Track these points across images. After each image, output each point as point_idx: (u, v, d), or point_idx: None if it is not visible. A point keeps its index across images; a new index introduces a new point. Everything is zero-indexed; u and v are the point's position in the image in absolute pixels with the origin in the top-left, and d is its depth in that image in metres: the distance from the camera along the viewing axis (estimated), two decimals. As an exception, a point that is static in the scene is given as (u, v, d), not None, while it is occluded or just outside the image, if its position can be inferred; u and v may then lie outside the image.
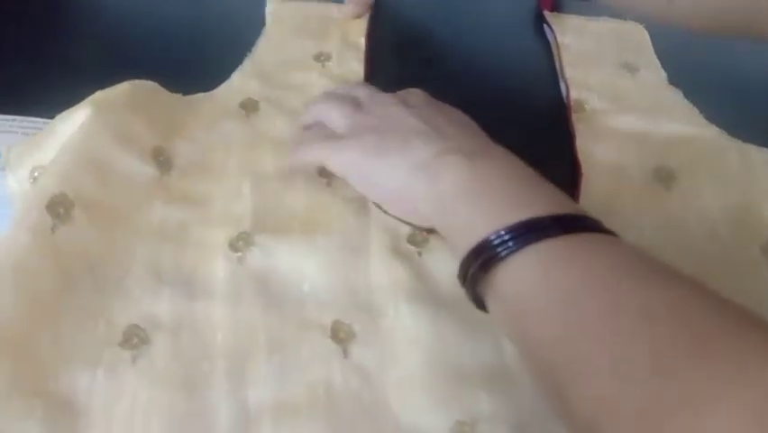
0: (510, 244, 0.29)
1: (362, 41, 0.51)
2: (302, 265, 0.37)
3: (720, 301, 0.27)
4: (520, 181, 0.33)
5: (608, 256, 0.29)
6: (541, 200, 0.32)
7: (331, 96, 0.42)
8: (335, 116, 0.40)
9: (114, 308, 0.35)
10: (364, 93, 0.41)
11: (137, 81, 0.42)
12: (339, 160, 0.38)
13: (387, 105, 0.39)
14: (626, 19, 0.55)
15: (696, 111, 0.48)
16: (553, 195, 0.33)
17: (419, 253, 0.39)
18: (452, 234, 0.34)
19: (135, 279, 0.36)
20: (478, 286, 0.31)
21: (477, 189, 0.33)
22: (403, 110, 0.38)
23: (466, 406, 0.32)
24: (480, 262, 0.30)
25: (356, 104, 0.40)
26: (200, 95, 0.45)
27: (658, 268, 0.29)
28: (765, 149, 0.46)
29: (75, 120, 0.39)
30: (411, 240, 0.39)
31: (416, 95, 0.40)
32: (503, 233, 0.30)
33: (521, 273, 0.29)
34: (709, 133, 0.47)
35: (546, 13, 0.55)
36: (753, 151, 0.46)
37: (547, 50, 0.53)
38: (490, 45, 0.54)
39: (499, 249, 0.30)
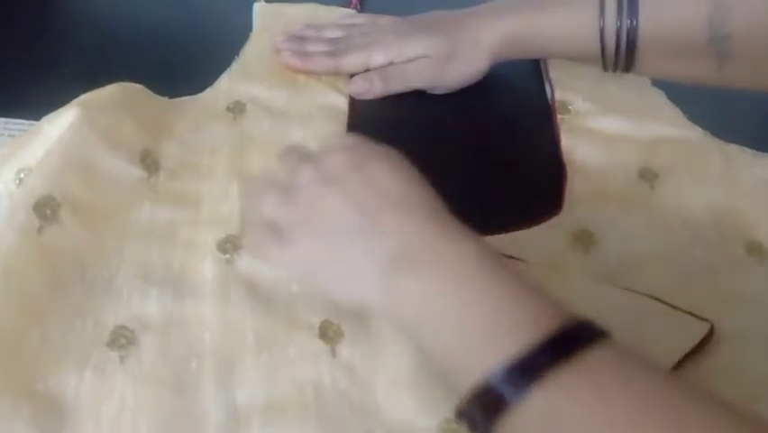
0: (510, 388, 0.26)
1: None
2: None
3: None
4: (486, 296, 0.29)
5: (624, 381, 0.27)
6: (520, 319, 0.28)
7: (258, 188, 0.36)
8: (265, 206, 0.35)
9: (103, 308, 0.35)
10: (288, 172, 0.36)
11: (124, 84, 0.42)
12: (283, 266, 0.36)
13: (308, 186, 0.34)
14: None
15: (679, 112, 0.49)
16: (526, 299, 0.29)
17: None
18: (426, 351, 0.31)
19: (123, 279, 0.36)
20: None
21: (440, 317, 0.29)
22: (327, 191, 0.33)
23: (454, 403, 0.32)
24: (483, 413, 0.27)
25: (284, 189, 0.35)
26: (187, 98, 0.46)
27: (674, 384, 0.27)
28: (748, 149, 0.46)
29: (62, 122, 0.39)
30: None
31: (330, 152, 0.35)
32: (496, 378, 0.27)
33: (533, 417, 0.26)
34: (693, 133, 0.47)
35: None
36: (735, 151, 0.46)
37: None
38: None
39: (502, 394, 0.26)
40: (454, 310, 0.29)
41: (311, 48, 0.49)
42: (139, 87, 0.43)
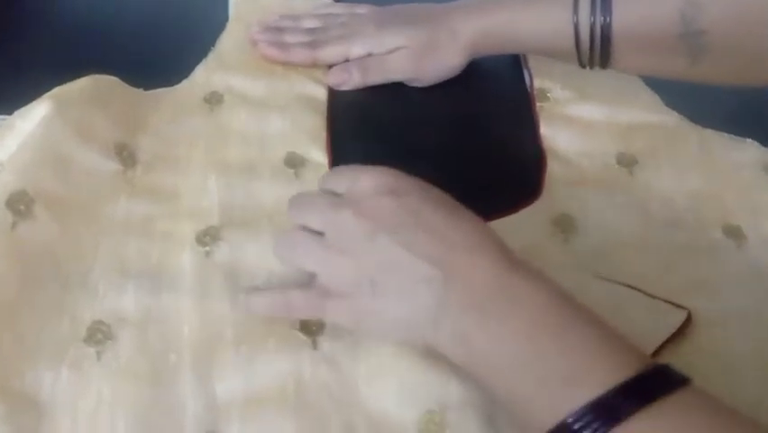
0: (589, 432, 0.26)
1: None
2: (269, 259, 0.37)
3: None
4: (562, 339, 0.29)
5: (707, 428, 0.26)
6: (599, 363, 0.28)
7: (288, 237, 0.35)
8: (305, 262, 0.34)
9: (79, 304, 0.34)
10: (314, 216, 0.34)
11: (98, 76, 0.42)
12: (338, 321, 0.33)
13: (357, 241, 0.31)
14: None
15: (657, 98, 0.49)
16: (604, 342, 0.29)
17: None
18: (496, 392, 0.30)
19: (100, 274, 0.36)
20: None
21: (514, 360, 0.29)
22: (388, 244, 0.31)
23: (435, 395, 0.32)
24: None
25: (320, 238, 0.33)
26: (163, 89, 0.45)
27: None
28: (724, 134, 0.47)
29: (34, 116, 0.39)
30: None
31: (369, 195, 0.32)
32: (575, 420, 0.26)
33: None
34: (670, 119, 0.47)
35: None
36: (712, 136, 0.47)
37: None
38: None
39: None
40: (530, 354, 0.28)
41: (288, 39, 0.49)
42: (113, 79, 0.43)
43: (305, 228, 0.34)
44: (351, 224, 0.31)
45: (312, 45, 0.48)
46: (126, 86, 0.43)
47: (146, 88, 0.44)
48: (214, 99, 0.45)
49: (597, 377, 0.27)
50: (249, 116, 0.44)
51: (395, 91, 0.49)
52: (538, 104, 0.48)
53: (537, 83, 0.49)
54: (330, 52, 0.48)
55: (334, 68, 0.48)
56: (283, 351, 0.34)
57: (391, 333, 0.32)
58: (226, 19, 0.51)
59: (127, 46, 0.49)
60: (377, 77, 0.48)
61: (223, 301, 0.35)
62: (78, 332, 0.33)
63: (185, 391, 0.32)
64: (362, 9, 0.52)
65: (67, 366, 0.32)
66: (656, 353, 0.35)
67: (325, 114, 0.46)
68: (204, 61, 0.47)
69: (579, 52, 0.44)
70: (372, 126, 0.47)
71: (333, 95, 0.48)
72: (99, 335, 0.33)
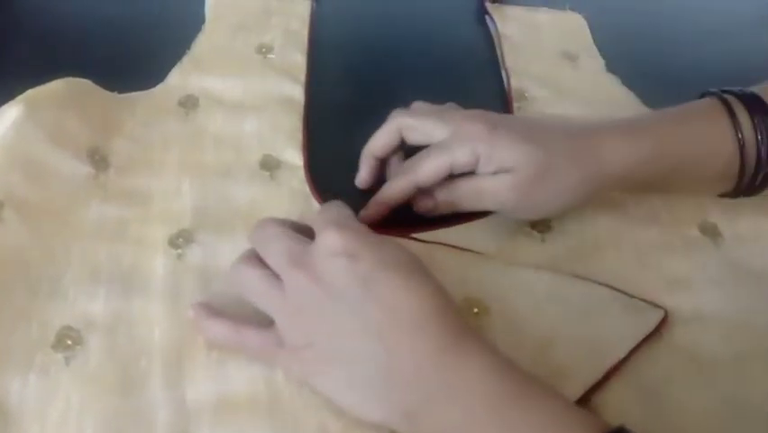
0: None
1: (305, 33, 0.51)
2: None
3: None
4: (510, 420, 0.28)
5: None
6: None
7: (247, 269, 0.34)
8: (260, 302, 0.33)
9: (48, 309, 0.34)
10: (276, 260, 0.33)
11: (71, 79, 0.41)
12: (283, 369, 0.33)
13: (311, 300, 0.31)
14: (565, 9, 0.56)
15: (633, 96, 0.49)
16: (565, 411, 0.29)
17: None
18: None
19: (70, 279, 0.35)
20: None
21: None
22: (338, 316, 0.31)
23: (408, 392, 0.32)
24: None
25: (275, 278, 0.33)
26: (138, 93, 0.45)
27: None
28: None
29: (6, 119, 0.38)
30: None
31: (332, 255, 0.31)
32: None
33: None
34: (647, 117, 0.47)
35: (488, 5, 0.56)
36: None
37: (489, 41, 0.54)
38: (433, 36, 0.54)
39: None
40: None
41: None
42: (86, 82, 0.42)
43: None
44: (304, 285, 0.31)
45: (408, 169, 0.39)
46: (100, 89, 0.43)
47: (121, 91, 0.44)
48: (189, 103, 0.45)
49: None
50: (224, 119, 0.44)
51: (373, 90, 0.49)
52: (515, 104, 0.48)
53: (514, 83, 0.49)
54: (430, 166, 0.38)
55: (421, 196, 0.40)
56: (255, 354, 0.33)
57: (340, 399, 0.31)
58: (202, 20, 0.51)
59: (103, 49, 0.49)
60: (468, 206, 0.39)
61: (194, 305, 0.35)
62: (47, 338, 0.33)
63: (155, 396, 0.31)
64: (465, 111, 0.41)
65: (35, 373, 0.32)
66: (633, 351, 0.35)
67: (302, 114, 0.46)
68: (179, 64, 0.47)
69: (742, 176, 0.40)
70: (350, 126, 0.47)
71: (311, 95, 0.47)
72: (68, 340, 0.33)
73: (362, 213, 0.40)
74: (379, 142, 0.41)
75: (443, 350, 0.29)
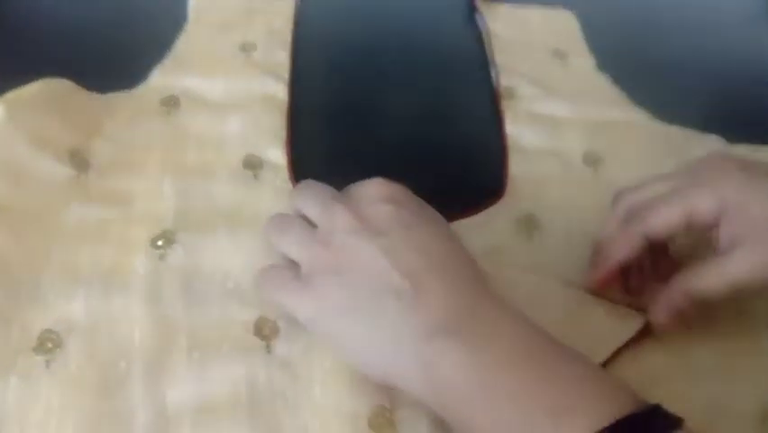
0: None
1: (289, 30, 0.51)
2: (225, 262, 0.37)
3: None
4: (550, 372, 0.27)
5: None
6: (590, 399, 0.26)
7: (282, 219, 0.35)
8: (290, 245, 0.33)
9: (29, 312, 0.34)
10: (313, 205, 0.34)
11: (50, 80, 0.41)
12: (303, 313, 0.32)
13: (347, 234, 0.31)
14: (555, 7, 0.55)
15: (623, 95, 0.49)
16: (594, 379, 0.27)
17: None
18: (476, 428, 0.27)
19: (50, 282, 0.35)
20: None
21: (496, 392, 0.27)
22: (368, 245, 0.30)
23: (388, 391, 0.32)
24: None
25: (312, 227, 0.33)
26: (119, 93, 0.44)
27: None
28: (689, 130, 0.47)
29: (-16, 121, 0.38)
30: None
31: (375, 199, 0.32)
32: None
33: None
34: (636, 116, 0.47)
35: (478, 2, 0.55)
36: (677, 132, 0.47)
37: (479, 39, 0.53)
38: (422, 34, 0.54)
39: None
40: (514, 386, 0.26)
41: None
42: (66, 82, 0.42)
43: (302, 216, 0.34)
44: (342, 218, 0.31)
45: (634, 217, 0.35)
46: (80, 89, 0.42)
47: (102, 92, 0.43)
48: (171, 103, 0.44)
49: (587, 412, 0.25)
50: (207, 119, 0.44)
51: (359, 88, 0.49)
52: (504, 101, 0.48)
53: (504, 81, 0.49)
54: (663, 215, 0.33)
55: (660, 305, 0.34)
56: (237, 356, 0.33)
57: (354, 344, 0.30)
58: (184, 20, 0.50)
59: (82, 49, 0.48)
60: (714, 295, 0.33)
61: (176, 306, 0.34)
62: (28, 341, 0.33)
63: (135, 398, 0.31)
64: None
65: (16, 376, 0.31)
66: (616, 354, 0.35)
67: (286, 112, 0.45)
68: (161, 63, 0.46)
69: None
70: (334, 124, 0.47)
71: (294, 93, 0.47)
72: (49, 343, 0.32)
73: (590, 277, 0.36)
74: (622, 251, 0.35)
75: (479, 297, 0.29)
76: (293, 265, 0.33)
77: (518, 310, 0.29)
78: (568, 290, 0.37)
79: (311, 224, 0.34)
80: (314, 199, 0.34)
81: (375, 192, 0.32)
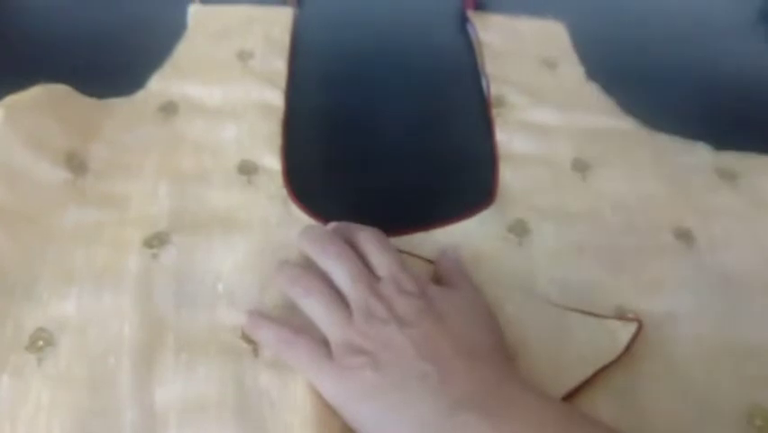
0: None
1: (287, 39, 0.52)
2: (218, 265, 0.37)
3: None
4: None
5: None
6: None
7: (312, 284, 0.35)
8: (322, 318, 0.34)
9: (23, 312, 0.34)
10: (346, 282, 0.34)
11: (50, 85, 0.42)
12: (327, 388, 0.32)
13: (380, 324, 0.32)
14: (545, 17, 0.56)
15: (612, 103, 0.49)
16: None
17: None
18: None
19: (45, 282, 0.35)
20: None
21: None
22: (400, 336, 0.31)
23: None
24: None
25: (343, 304, 0.34)
26: (118, 99, 0.45)
27: None
28: (677, 138, 0.47)
29: (-16, 125, 0.39)
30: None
31: (406, 292, 0.33)
32: None
33: None
34: (625, 124, 0.48)
35: (470, 12, 0.56)
36: (665, 140, 0.47)
37: (470, 48, 0.54)
38: (414, 44, 0.54)
39: None
40: None
41: None
42: (65, 88, 0.42)
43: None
44: (374, 309, 0.33)
45: None
46: (79, 95, 0.43)
47: (101, 97, 0.44)
48: (169, 108, 0.45)
49: None
50: (204, 124, 0.44)
51: (354, 96, 0.49)
52: (495, 109, 0.49)
53: (494, 89, 0.50)
54: None
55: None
56: (224, 358, 0.33)
57: (384, 424, 0.30)
58: (184, 28, 0.51)
59: (82, 55, 0.49)
60: None
61: (166, 305, 0.35)
62: (21, 339, 0.33)
63: (122, 395, 0.32)
64: None
65: (8, 374, 0.32)
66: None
67: (282, 119, 0.46)
68: (159, 70, 0.47)
69: None
70: (328, 131, 0.47)
71: (291, 101, 0.47)
72: (40, 341, 0.33)
73: None
74: None
75: (503, 377, 0.30)
76: (318, 336, 0.33)
77: (542, 390, 0.31)
78: (552, 313, 0.37)
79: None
80: (346, 271, 0.34)
81: (406, 282, 0.34)
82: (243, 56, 0.50)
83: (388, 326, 0.32)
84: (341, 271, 0.35)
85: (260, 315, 0.35)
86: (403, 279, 0.34)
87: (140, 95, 0.46)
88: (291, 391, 0.32)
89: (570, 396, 0.33)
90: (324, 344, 0.33)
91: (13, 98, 0.40)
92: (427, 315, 0.32)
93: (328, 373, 0.32)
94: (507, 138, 0.47)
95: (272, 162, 0.43)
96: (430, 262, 0.38)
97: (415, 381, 0.30)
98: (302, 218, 0.40)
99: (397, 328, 0.32)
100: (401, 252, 0.38)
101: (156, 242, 0.37)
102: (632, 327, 0.36)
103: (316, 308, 0.34)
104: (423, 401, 0.29)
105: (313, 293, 0.34)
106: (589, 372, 0.34)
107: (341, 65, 0.52)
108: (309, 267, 0.36)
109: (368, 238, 0.36)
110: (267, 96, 0.47)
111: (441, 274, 0.37)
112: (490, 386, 0.30)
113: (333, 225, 0.38)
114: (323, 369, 0.32)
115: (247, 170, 0.42)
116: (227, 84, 0.47)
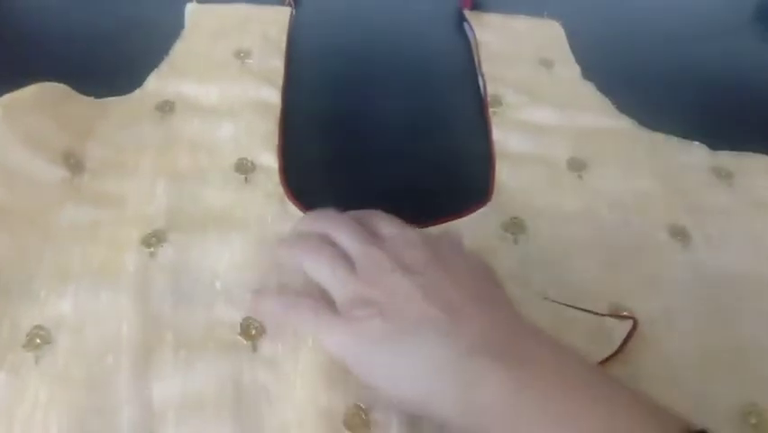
0: None
1: (284, 38, 0.52)
2: (215, 263, 0.37)
3: None
4: (597, 398, 0.27)
5: None
6: (640, 425, 0.26)
7: (316, 246, 0.34)
8: (327, 278, 0.33)
9: (20, 310, 0.34)
10: (351, 242, 0.33)
11: (46, 83, 0.42)
12: (336, 342, 0.31)
13: (386, 273, 0.31)
14: (542, 16, 0.57)
15: (608, 103, 0.49)
16: (642, 405, 0.27)
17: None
18: None
19: (42, 280, 0.35)
20: None
21: (538, 416, 0.26)
22: (407, 282, 0.31)
23: (364, 392, 0.32)
24: None
25: (349, 263, 0.33)
26: (115, 98, 0.45)
27: None
28: (673, 137, 0.47)
29: (-19, 124, 0.39)
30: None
31: (411, 244, 0.33)
32: None
33: None
34: (620, 123, 0.48)
35: (467, 12, 0.56)
36: (661, 139, 0.47)
37: (467, 48, 0.54)
38: (411, 43, 0.55)
39: None
40: (561, 409, 0.26)
41: None
42: (62, 86, 0.42)
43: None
44: (379, 260, 0.32)
45: None
46: (76, 94, 0.43)
47: (98, 97, 0.44)
48: (166, 108, 0.45)
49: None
50: (201, 123, 0.44)
51: (351, 95, 0.50)
52: (491, 109, 0.49)
53: (491, 89, 0.50)
54: None
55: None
56: (222, 355, 0.33)
57: (394, 380, 0.29)
58: (181, 27, 0.51)
59: (80, 54, 0.49)
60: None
61: (164, 303, 0.35)
62: (18, 338, 0.33)
63: (120, 393, 0.32)
64: None
65: (5, 372, 0.32)
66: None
67: (278, 118, 0.46)
68: (156, 69, 0.47)
69: None
70: (325, 130, 0.47)
71: (288, 99, 0.48)
72: (38, 339, 0.33)
73: None
74: None
75: (512, 324, 0.29)
76: (321, 294, 0.33)
77: (554, 338, 0.30)
78: (549, 304, 0.37)
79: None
80: (350, 233, 0.34)
81: (412, 236, 0.33)
82: (240, 55, 0.50)
83: (395, 274, 0.31)
84: (344, 232, 0.34)
85: (260, 292, 0.35)
86: (409, 233, 0.34)
87: (137, 94, 0.46)
88: (289, 388, 0.33)
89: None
90: (330, 302, 0.32)
91: (10, 97, 0.40)
92: (435, 264, 0.31)
93: (336, 328, 0.31)
94: (503, 137, 0.47)
95: (269, 161, 0.43)
96: None
97: (425, 326, 0.29)
98: (299, 216, 0.40)
99: (403, 276, 0.31)
100: None
101: (153, 240, 0.38)
102: (627, 325, 0.36)
103: (320, 269, 0.33)
104: (435, 346, 0.28)
105: (315, 254, 0.33)
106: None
107: (338, 63, 0.52)
108: (310, 234, 0.35)
109: (374, 212, 0.36)
110: (264, 94, 0.47)
111: None
112: (504, 331, 0.29)
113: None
114: (330, 324, 0.31)
115: (244, 168, 0.42)
116: (224, 82, 0.47)
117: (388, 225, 0.35)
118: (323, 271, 0.33)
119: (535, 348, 0.29)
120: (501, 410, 0.27)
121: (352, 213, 0.36)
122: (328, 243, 0.34)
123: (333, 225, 0.35)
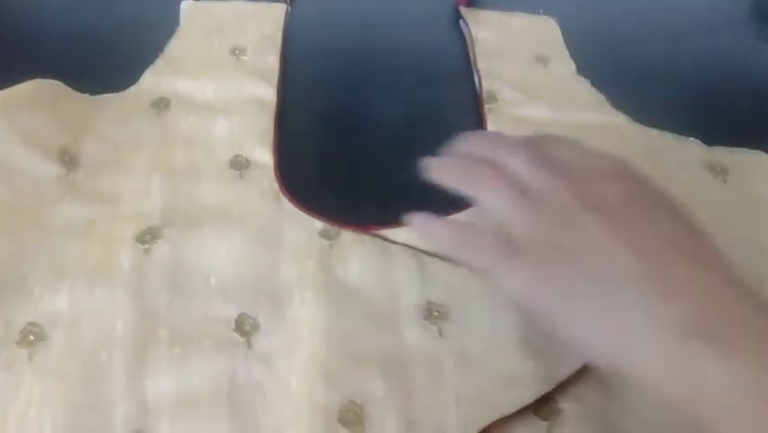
0: None
1: (279, 34, 0.52)
2: (210, 259, 0.37)
3: None
4: None
5: None
6: None
7: (492, 173, 0.30)
8: (506, 211, 0.29)
9: (13, 306, 0.34)
10: (531, 172, 0.29)
11: (41, 80, 0.42)
12: (522, 286, 0.27)
13: (575, 212, 0.27)
14: (537, 13, 0.56)
15: (603, 99, 0.49)
16: None
17: (330, 246, 0.39)
18: None
19: (37, 277, 0.35)
20: None
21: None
22: (599, 222, 0.27)
23: (359, 388, 0.32)
24: None
25: (530, 195, 0.29)
26: (110, 95, 0.45)
27: None
28: (668, 133, 0.47)
29: (-25, 121, 0.39)
30: (323, 234, 0.39)
31: (600, 175, 0.29)
32: None
33: None
34: (615, 119, 0.48)
35: (462, 9, 0.56)
36: (656, 135, 0.47)
37: (462, 44, 0.54)
38: (406, 40, 0.55)
39: None
40: None
41: None
42: (57, 83, 0.43)
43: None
44: (567, 190, 0.28)
45: None
46: (71, 91, 0.43)
47: (93, 94, 0.44)
48: (161, 104, 0.45)
49: None
50: (196, 120, 0.44)
51: (346, 92, 0.50)
52: (487, 105, 0.49)
53: (486, 85, 0.50)
54: None
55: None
56: (217, 351, 0.34)
57: (595, 336, 0.26)
58: (176, 24, 0.51)
59: (75, 51, 0.49)
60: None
61: (159, 300, 0.35)
62: (12, 335, 0.33)
63: (115, 389, 0.32)
64: None
65: (-1, 369, 0.32)
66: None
67: (274, 114, 0.46)
68: (152, 66, 0.47)
69: None
70: (321, 127, 0.47)
71: (283, 96, 0.48)
72: (31, 336, 0.33)
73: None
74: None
75: (728, 293, 0.25)
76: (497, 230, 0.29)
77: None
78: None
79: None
80: (530, 161, 0.29)
81: (600, 165, 0.29)
82: (236, 52, 0.50)
83: (586, 210, 0.27)
84: (522, 159, 0.29)
85: (426, 216, 0.31)
86: (597, 162, 0.29)
87: (132, 90, 0.46)
88: (284, 384, 0.33)
89: (560, 386, 0.34)
90: (507, 240, 0.28)
91: (5, 93, 0.40)
92: (634, 202, 0.27)
93: (519, 271, 0.27)
94: (499, 133, 0.47)
95: (264, 158, 0.43)
96: (426, 253, 0.38)
97: (624, 281, 0.25)
98: (294, 213, 0.40)
99: (596, 213, 0.27)
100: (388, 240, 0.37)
101: (148, 237, 0.38)
102: None
103: (497, 200, 0.29)
104: (632, 309, 0.25)
105: (490, 183, 0.29)
106: (578, 364, 0.34)
107: (333, 60, 0.52)
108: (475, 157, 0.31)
109: (549, 136, 0.31)
110: (259, 91, 0.47)
111: None
112: (719, 303, 0.25)
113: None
114: (513, 266, 0.27)
115: (239, 165, 0.42)
116: (219, 79, 0.47)
117: (568, 150, 0.30)
118: (499, 201, 0.29)
119: (756, 329, 0.24)
120: (726, 400, 0.23)
121: (523, 136, 0.32)
122: (501, 171, 0.30)
123: (508, 150, 0.30)
